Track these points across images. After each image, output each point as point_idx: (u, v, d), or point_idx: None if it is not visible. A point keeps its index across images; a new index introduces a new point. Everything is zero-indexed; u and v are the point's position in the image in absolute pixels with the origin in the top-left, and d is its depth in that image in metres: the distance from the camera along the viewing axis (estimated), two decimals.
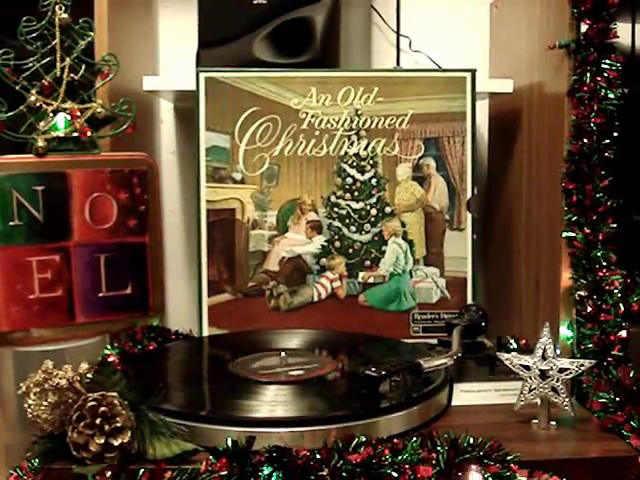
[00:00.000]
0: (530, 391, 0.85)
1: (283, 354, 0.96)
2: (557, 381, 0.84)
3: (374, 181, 1.17)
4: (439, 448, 0.72)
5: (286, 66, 1.16)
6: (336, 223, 1.17)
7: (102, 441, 0.72)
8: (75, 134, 0.95)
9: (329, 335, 1.10)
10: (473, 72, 1.16)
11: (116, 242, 0.98)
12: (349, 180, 1.16)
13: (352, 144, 1.16)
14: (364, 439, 0.73)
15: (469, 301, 1.16)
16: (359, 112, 1.15)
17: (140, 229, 1.00)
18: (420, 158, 1.17)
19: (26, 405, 0.76)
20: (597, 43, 0.99)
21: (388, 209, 1.17)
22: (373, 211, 1.17)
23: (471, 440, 0.73)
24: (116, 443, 0.73)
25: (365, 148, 1.16)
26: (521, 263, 1.21)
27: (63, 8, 0.94)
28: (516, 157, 1.25)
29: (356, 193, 1.17)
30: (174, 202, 1.42)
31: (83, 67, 0.96)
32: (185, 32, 1.31)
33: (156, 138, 1.40)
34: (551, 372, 0.84)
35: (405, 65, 1.37)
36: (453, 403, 0.92)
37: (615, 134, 0.99)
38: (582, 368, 0.84)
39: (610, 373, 0.91)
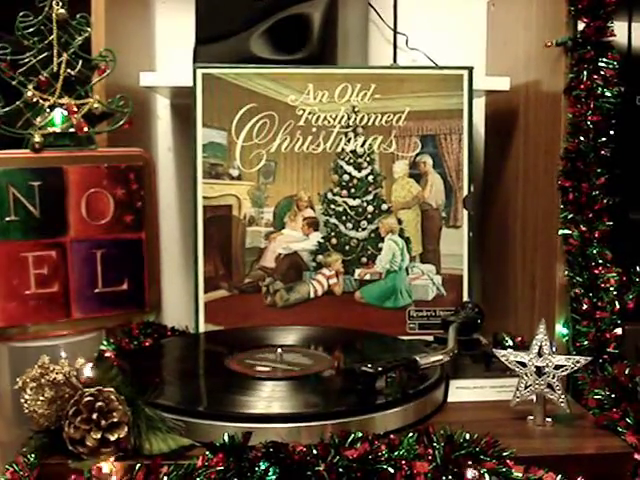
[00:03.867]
0: (526, 388, 0.85)
1: (279, 350, 0.96)
2: (553, 378, 0.84)
3: (371, 178, 1.17)
4: (435, 444, 0.72)
5: (283, 63, 1.16)
6: (333, 220, 1.17)
7: (98, 436, 0.72)
8: (72, 130, 0.95)
9: (325, 332, 1.10)
10: (470, 70, 1.16)
11: (112, 238, 0.98)
12: (346, 177, 1.16)
13: (349, 141, 1.16)
14: (360, 435, 0.73)
15: (465, 298, 1.16)
16: (356, 109, 1.15)
17: (136, 225, 1.00)
18: (417, 155, 1.17)
19: (22, 400, 0.75)
20: (594, 41, 0.99)
21: (385, 206, 1.17)
22: (370, 208, 1.17)
23: (467, 436, 0.73)
24: (112, 438, 0.73)
25: (362, 145, 1.16)
26: (517, 260, 1.21)
27: (60, 3, 0.94)
28: (512, 155, 1.25)
29: (353, 190, 1.17)
30: (170, 198, 1.42)
31: (80, 63, 0.97)
32: (182, 28, 1.31)
33: (153, 134, 1.40)
34: (547, 369, 0.84)
35: (402, 62, 1.37)
36: (449, 400, 0.92)
37: (611, 132, 1.00)
38: (578, 365, 0.84)
39: (605, 370, 0.92)
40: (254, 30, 1.17)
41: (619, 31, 1.02)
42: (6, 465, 0.73)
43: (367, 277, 1.17)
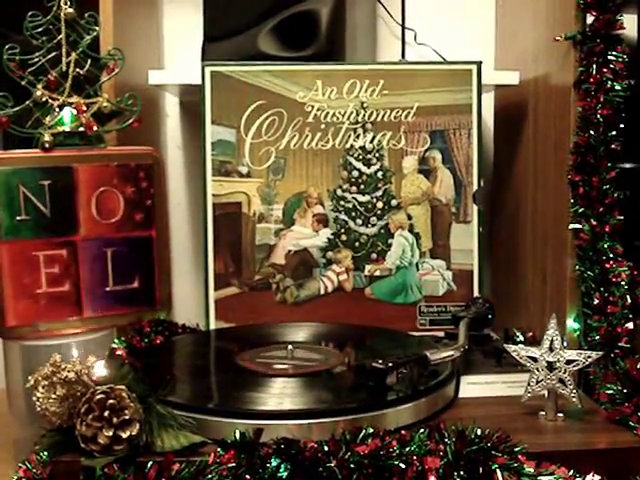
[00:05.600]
0: (537, 383, 0.85)
1: (290, 347, 0.96)
2: (564, 373, 0.84)
3: (380, 174, 1.17)
4: (447, 440, 0.72)
5: (291, 59, 1.16)
6: (342, 216, 1.17)
7: (110, 433, 0.73)
8: (81, 129, 0.96)
9: (336, 328, 1.10)
10: (479, 64, 1.16)
11: (123, 236, 0.98)
12: (355, 173, 1.16)
13: (358, 137, 1.16)
14: (372, 431, 0.73)
15: (476, 293, 1.16)
16: (365, 105, 1.15)
17: (146, 223, 1.00)
18: (426, 151, 1.17)
19: (34, 398, 0.76)
20: (603, 34, 0.99)
21: (394, 202, 1.17)
22: (379, 204, 1.17)
23: (478, 432, 0.73)
24: (124, 435, 0.73)
25: (371, 141, 1.16)
26: (527, 255, 1.21)
27: (68, 3, 0.95)
28: (522, 149, 1.24)
29: (362, 186, 1.17)
30: (180, 196, 1.42)
31: (89, 62, 0.97)
32: (190, 26, 1.31)
33: (162, 132, 1.41)
34: (558, 364, 0.84)
35: (410, 58, 1.37)
36: (460, 395, 0.92)
37: (621, 126, 0.99)
38: (589, 360, 0.84)
39: (617, 365, 0.91)
40: (262, 27, 1.17)
41: (628, 24, 1.01)
42: (19, 463, 0.74)
43: (377, 273, 1.17)
